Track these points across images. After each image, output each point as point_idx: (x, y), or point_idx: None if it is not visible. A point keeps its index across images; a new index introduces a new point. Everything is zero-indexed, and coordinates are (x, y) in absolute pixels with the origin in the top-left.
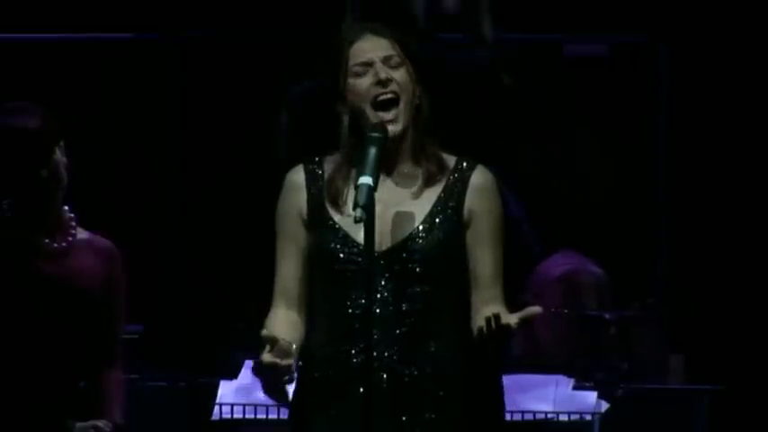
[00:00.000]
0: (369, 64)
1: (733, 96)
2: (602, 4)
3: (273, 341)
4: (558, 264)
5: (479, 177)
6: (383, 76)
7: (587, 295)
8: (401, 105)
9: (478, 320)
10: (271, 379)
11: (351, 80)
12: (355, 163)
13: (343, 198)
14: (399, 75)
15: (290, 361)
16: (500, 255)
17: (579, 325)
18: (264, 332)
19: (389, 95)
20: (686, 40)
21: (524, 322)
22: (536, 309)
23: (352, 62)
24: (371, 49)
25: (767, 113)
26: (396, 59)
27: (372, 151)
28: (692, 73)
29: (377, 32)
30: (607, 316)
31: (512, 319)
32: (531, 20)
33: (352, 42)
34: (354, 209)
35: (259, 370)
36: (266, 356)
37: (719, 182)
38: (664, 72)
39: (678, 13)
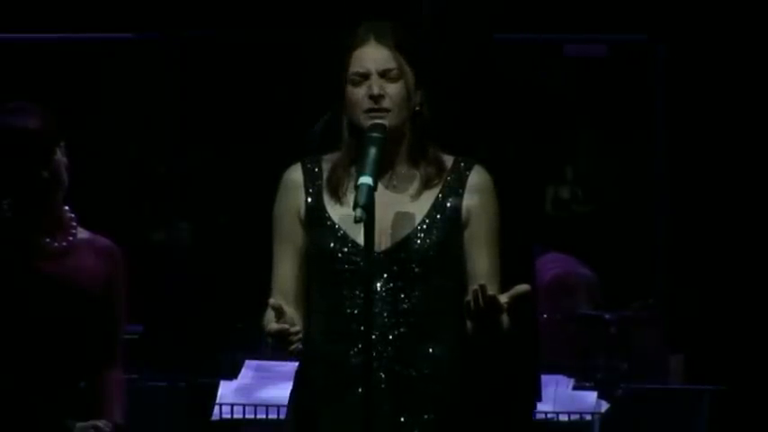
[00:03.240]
0: (365, 75)
1: (732, 96)
2: (602, 4)
3: (281, 311)
4: (547, 268)
5: (477, 177)
6: (376, 91)
7: (579, 297)
8: (392, 113)
9: (466, 300)
10: (278, 348)
11: (348, 86)
12: (355, 163)
13: (342, 197)
14: (395, 89)
15: (299, 328)
16: (497, 254)
17: (579, 325)
18: (272, 301)
19: (380, 113)
20: (685, 40)
21: (514, 301)
22: (524, 287)
23: (351, 69)
24: (371, 59)
25: (766, 113)
26: (394, 72)
27: (372, 151)
28: (691, 73)
29: (380, 40)
30: (607, 316)
31: (501, 298)
32: (531, 20)
33: (354, 48)
34: (354, 209)
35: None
36: (274, 325)
37: (719, 181)
38: (663, 72)
39: (677, 13)
